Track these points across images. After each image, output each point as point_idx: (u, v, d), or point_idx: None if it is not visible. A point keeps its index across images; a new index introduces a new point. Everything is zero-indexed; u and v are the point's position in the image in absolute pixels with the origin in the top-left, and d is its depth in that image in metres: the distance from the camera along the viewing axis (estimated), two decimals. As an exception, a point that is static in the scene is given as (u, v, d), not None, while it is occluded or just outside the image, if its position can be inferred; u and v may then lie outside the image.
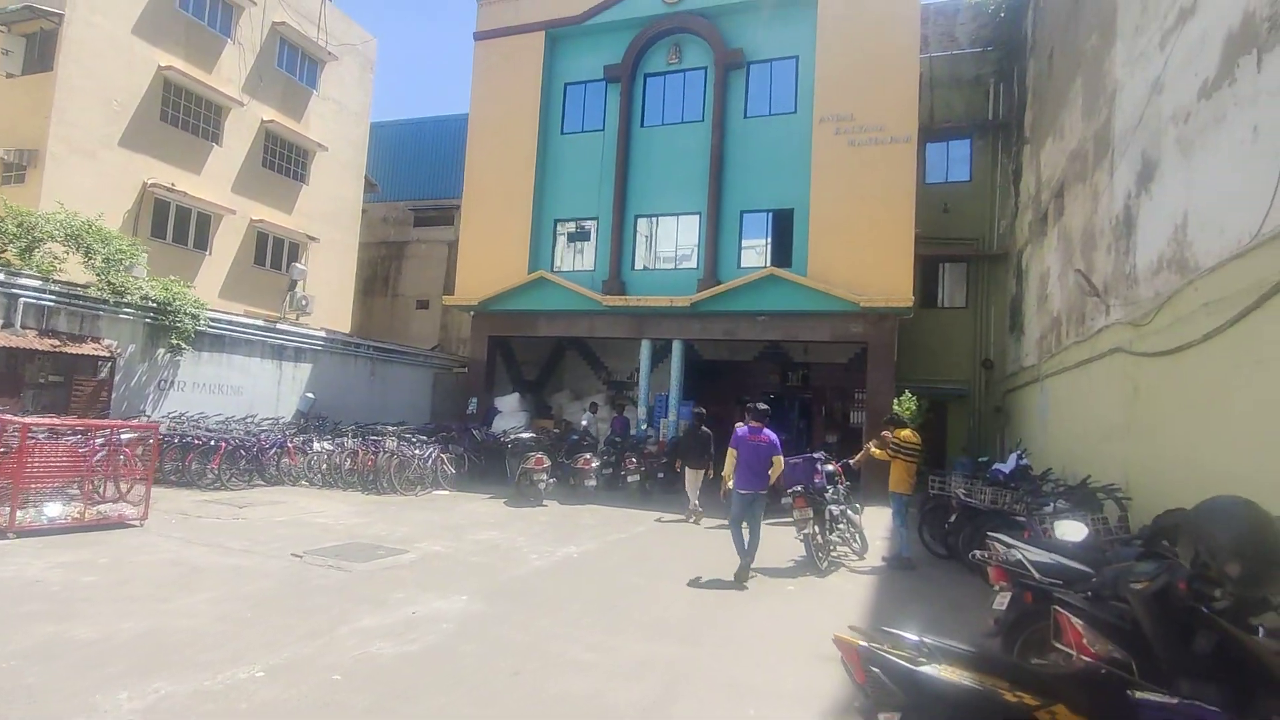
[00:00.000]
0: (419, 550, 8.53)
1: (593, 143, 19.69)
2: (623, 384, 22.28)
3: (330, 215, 24.67)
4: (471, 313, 20.37)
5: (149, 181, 18.88)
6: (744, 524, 8.07)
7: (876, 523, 11.24)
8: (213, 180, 20.67)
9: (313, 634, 5.34)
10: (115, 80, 18.14)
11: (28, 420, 8.49)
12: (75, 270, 13.14)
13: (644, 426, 17.93)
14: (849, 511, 9.59)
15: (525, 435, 15.24)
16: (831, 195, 16.72)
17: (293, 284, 20.59)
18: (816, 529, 8.64)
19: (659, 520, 12.16)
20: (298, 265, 21.36)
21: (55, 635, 4.92)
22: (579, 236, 20.12)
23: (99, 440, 9.19)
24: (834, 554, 9.05)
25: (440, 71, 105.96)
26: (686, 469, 12.71)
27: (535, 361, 23.10)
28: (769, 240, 17.77)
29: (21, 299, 11.70)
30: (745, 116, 18.22)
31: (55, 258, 12.70)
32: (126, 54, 18.50)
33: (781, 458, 8.10)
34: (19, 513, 7.88)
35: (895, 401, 16.55)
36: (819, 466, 9.15)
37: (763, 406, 8.29)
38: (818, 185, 16.90)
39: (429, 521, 10.62)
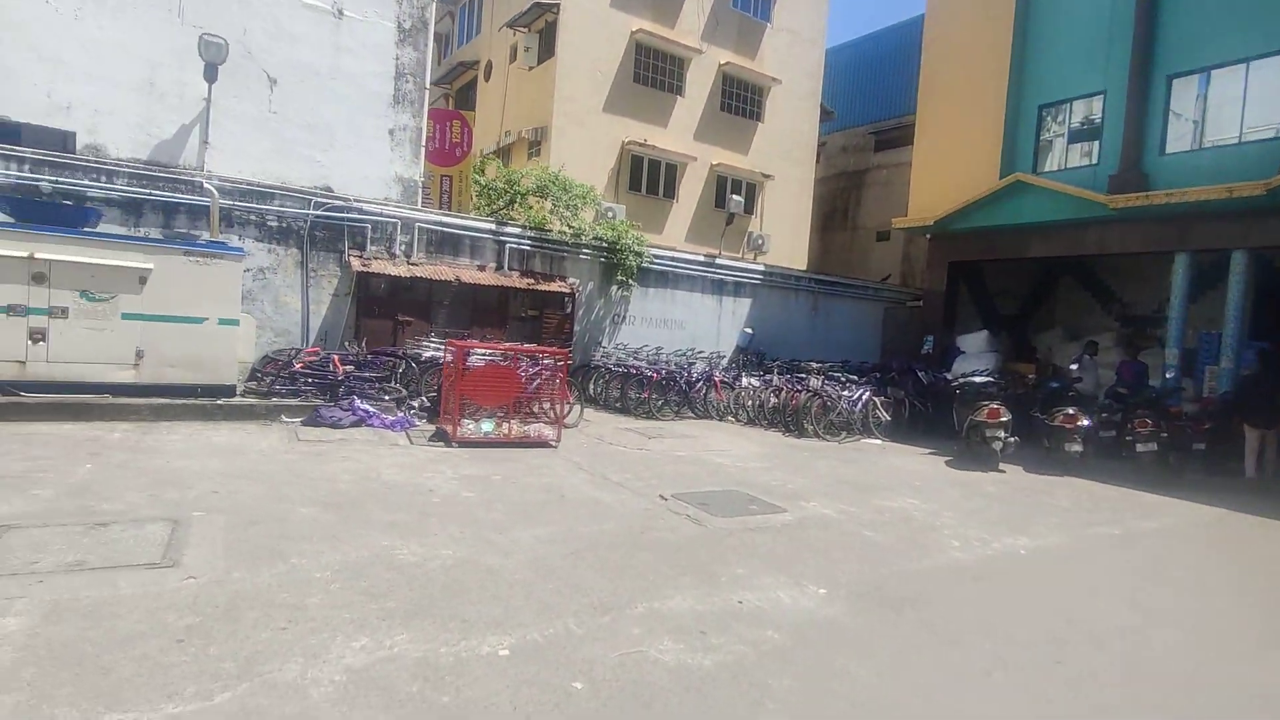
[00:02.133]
0: (802, 511, 6.87)
1: (1096, -10, 14.36)
2: (1144, 319, 16.39)
3: (785, 151, 23.99)
4: (927, 235, 17.32)
5: (626, 140, 20.79)
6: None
7: None
8: (677, 131, 21.82)
9: (599, 607, 4.21)
10: (599, 52, 20.26)
11: (468, 343, 9.55)
12: (562, 221, 14.94)
13: (1170, 375, 12.60)
14: None
15: (977, 379, 11.97)
16: None
17: (730, 217, 20.63)
18: None
19: (1192, 510, 7.99)
20: (734, 198, 21.17)
21: (379, 553, 4.82)
22: (1076, 122, 15.08)
23: (530, 365, 9.95)
24: None
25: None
26: (1247, 429, 8.13)
27: (1013, 291, 18.69)
28: None
29: (508, 245, 13.72)
30: None
31: (530, 208, 14.60)
32: (606, 26, 20.48)
33: None
34: (463, 425, 8.87)
35: None
36: None
37: None
38: None
39: (836, 475, 8.83)
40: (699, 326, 16.42)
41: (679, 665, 3.58)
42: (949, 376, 13.71)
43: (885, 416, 12.23)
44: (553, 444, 9.14)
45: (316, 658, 3.33)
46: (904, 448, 11.51)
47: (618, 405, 12.91)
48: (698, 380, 13.11)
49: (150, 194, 10.72)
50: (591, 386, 13.54)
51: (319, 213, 11.92)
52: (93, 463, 6.49)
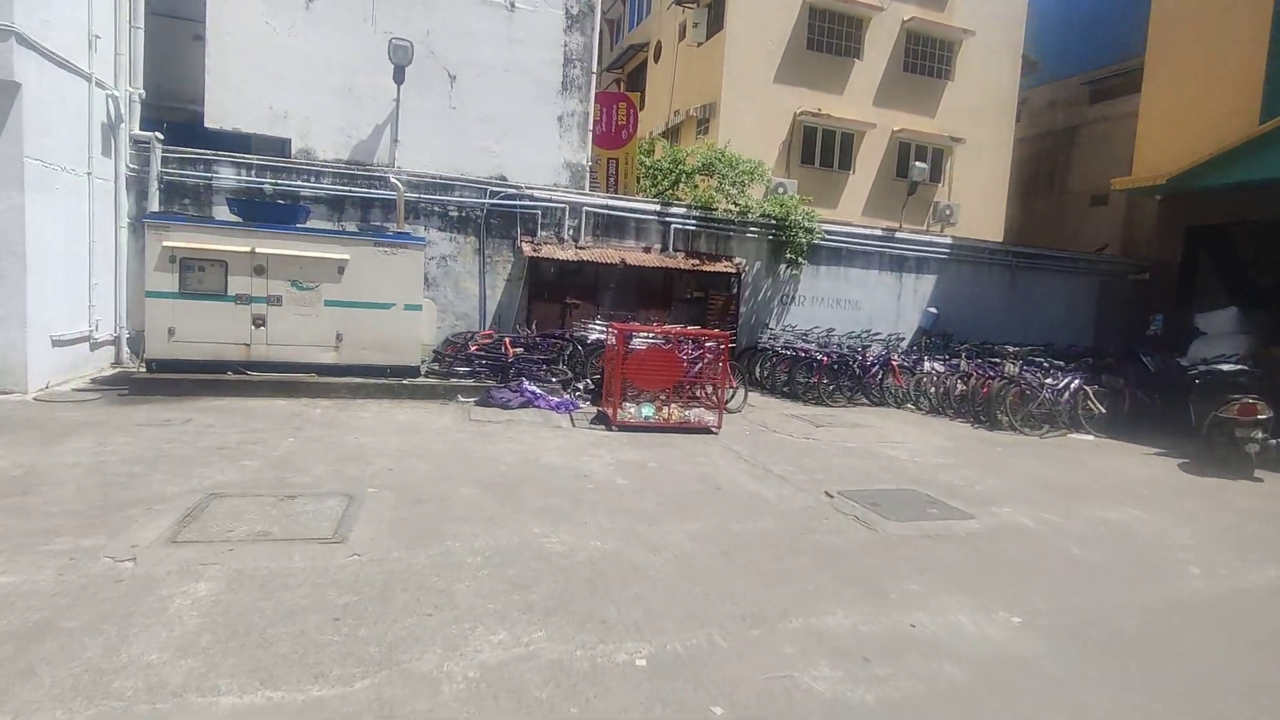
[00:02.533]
0: (993, 518, 6.01)
1: None
2: None
3: (978, 110, 21.60)
4: (1158, 196, 14.76)
5: (798, 111, 19.78)
6: None
7: None
8: (854, 97, 20.39)
9: (748, 618, 3.85)
10: (769, 20, 19.37)
11: (630, 326, 9.45)
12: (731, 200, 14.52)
13: None
14: None
15: (1224, 366, 9.94)
16: None
17: (912, 187, 18.92)
18: None
19: None
20: (917, 165, 19.35)
21: (529, 540, 4.80)
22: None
23: (692, 348, 9.69)
24: None
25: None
26: None
27: (1273, 261, 15.45)
28: None
29: (672, 226, 13.53)
30: None
31: (696, 187, 14.27)
32: (776, -8, 19.55)
33: None
34: (624, 409, 8.82)
35: None
36: None
37: None
38: None
39: (1036, 477, 7.70)
40: (875, 306, 15.27)
41: (835, 698, 3.14)
42: (1185, 363, 11.58)
43: (1099, 409, 10.57)
44: (713, 430, 8.84)
45: (454, 650, 3.30)
46: (1123, 445, 9.86)
47: (784, 390, 12.32)
48: (873, 364, 12.16)
49: (349, 191, 11.76)
50: (757, 370, 13.05)
51: (493, 201, 12.45)
52: (295, 437, 7.17)
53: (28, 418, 7.26)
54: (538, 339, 11.35)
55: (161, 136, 10.88)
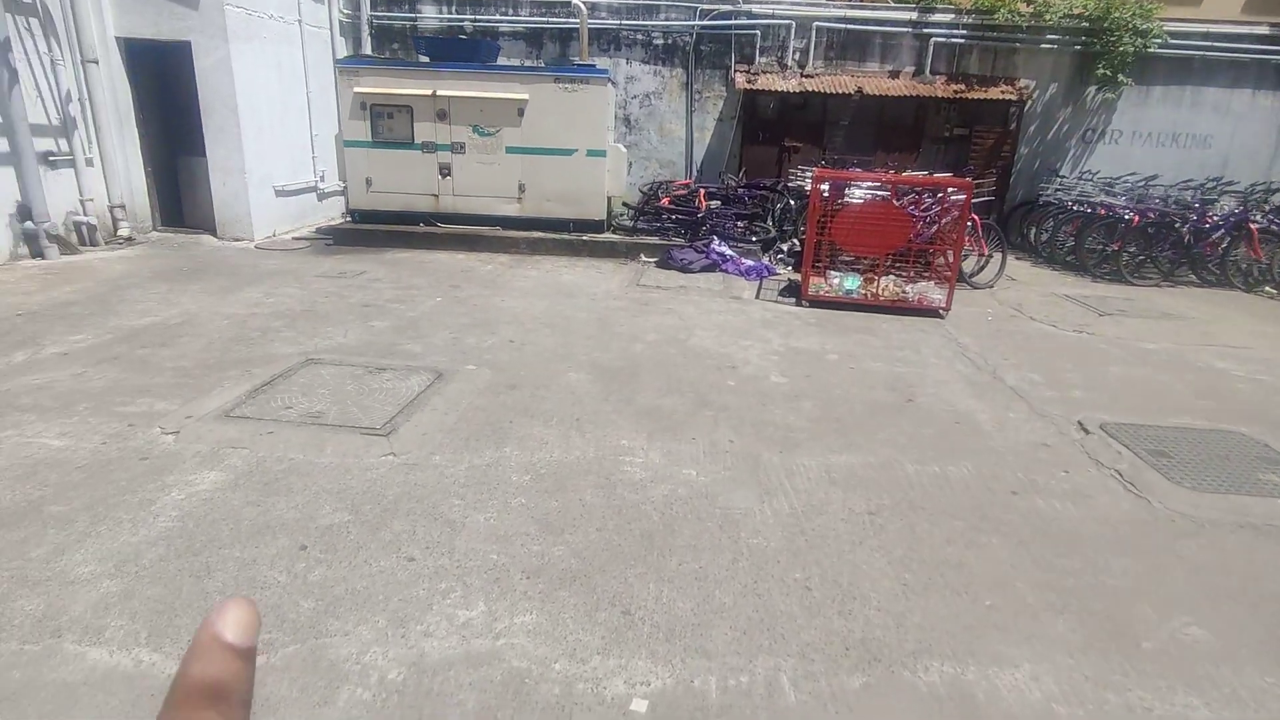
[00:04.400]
0: (1395, 503, 3.53)
1: None
2: None
3: None
4: None
5: None
6: None
7: None
8: None
9: (859, 650, 2.39)
10: None
11: (843, 174, 7.36)
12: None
13: None
14: None
15: None
16: None
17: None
18: None
19: None
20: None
21: (605, 459, 3.68)
22: None
23: (930, 203, 7.38)
24: None
25: None
26: None
27: None
28: None
29: (932, 39, 10.43)
30: None
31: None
32: None
33: None
34: (820, 280, 7.06)
35: None
36: None
37: None
38: None
39: None
40: (1237, 144, 10.77)
41: None
42: None
43: None
44: (940, 312, 6.75)
45: (399, 628, 2.38)
46: None
47: (1068, 260, 9.32)
48: (1216, 227, 8.56)
49: (545, 22, 10.65)
50: (1034, 232, 10.04)
51: (705, 23, 10.52)
52: (443, 297, 6.73)
53: (234, 264, 7.72)
54: (741, 190, 9.67)
55: (370, -23, 10.60)
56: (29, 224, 7.27)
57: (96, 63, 8.00)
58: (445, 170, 9.09)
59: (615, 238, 9.16)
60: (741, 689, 2.19)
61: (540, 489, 3.32)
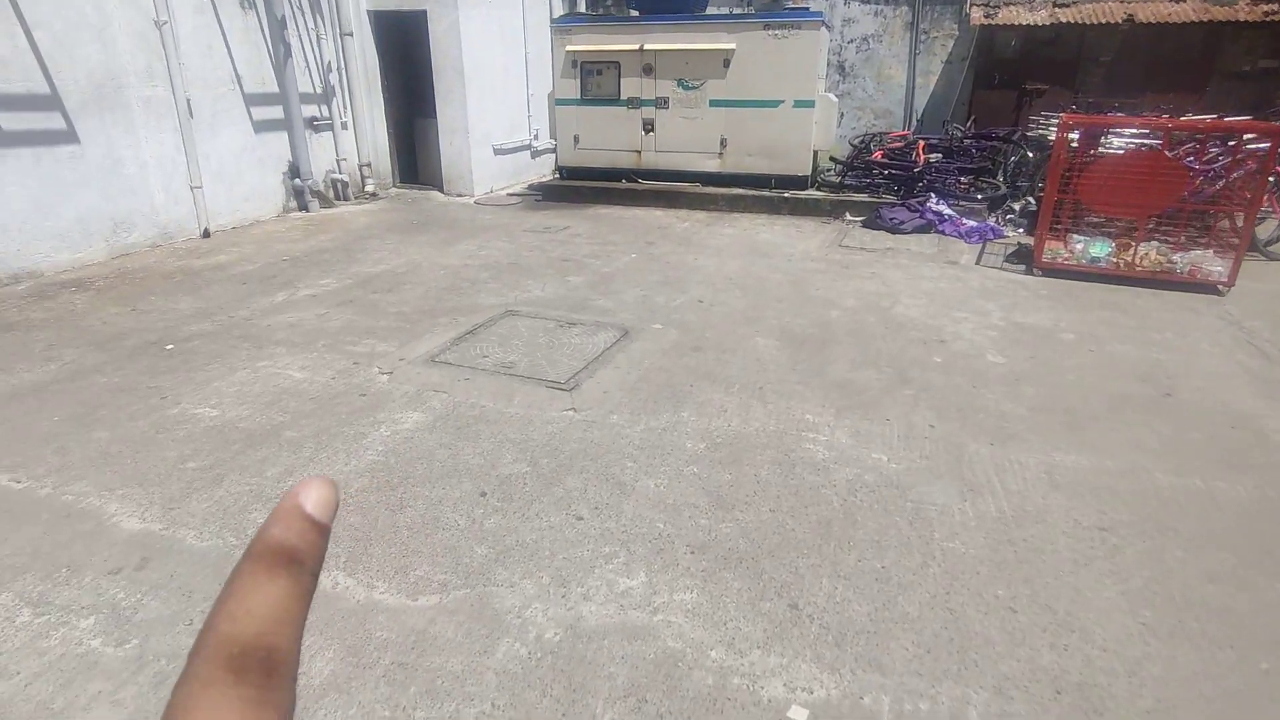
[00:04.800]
0: None
1: None
2: None
3: None
4: None
5: None
6: None
7: None
8: None
9: None
10: None
11: (1099, 119, 6.18)
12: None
13: None
14: None
15: None
16: None
17: None
18: None
19: None
20: None
21: (784, 436, 3.43)
22: None
23: (1218, 152, 6.02)
24: None
25: None
26: None
27: None
28: None
29: (1240, -52, 8.40)
30: None
31: None
32: None
33: None
34: (1059, 245, 6.08)
35: None
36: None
37: None
38: None
39: None
40: None
41: None
42: None
43: None
44: (1219, 287, 5.53)
45: (560, 588, 2.40)
46: None
47: None
48: None
49: (759, -35, 10.13)
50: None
51: (938, -49, 9.38)
52: (638, 254, 6.75)
53: (455, 218, 8.36)
54: (967, 141, 8.61)
55: (586, -67, 10.73)
56: (297, 181, 8.39)
57: (351, 35, 8.93)
58: (648, 126, 9.07)
59: (819, 195, 8.61)
60: (919, 717, 1.91)
61: (714, 459, 3.18)
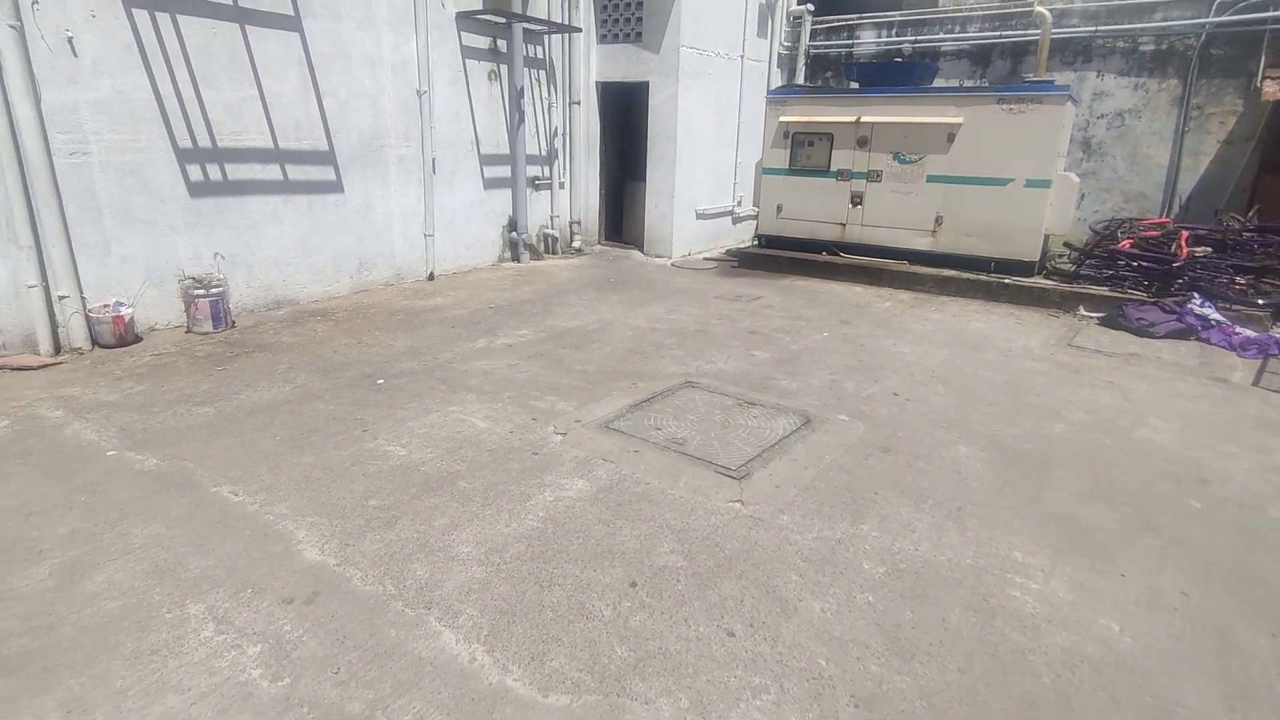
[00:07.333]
0: None
1: None
2: None
3: None
4: None
5: None
6: None
7: None
8: None
9: None
10: None
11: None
12: None
13: None
14: None
15: None
16: None
17: None
18: None
19: None
20: None
21: (984, 569, 2.90)
22: None
23: None
24: None
25: None
26: None
27: None
28: None
29: None
30: None
31: None
32: None
33: None
34: None
35: None
36: None
37: None
38: None
39: None
40: None
41: None
42: None
43: None
44: None
45: (701, 714, 2.14)
46: None
47: None
48: None
49: (998, 36, 9.50)
50: None
51: (1223, 18, 8.20)
52: (831, 332, 6.39)
53: (650, 279, 8.53)
54: (1247, 234, 7.27)
55: (812, 8, 10.78)
56: (514, 234, 9.07)
57: (579, 103, 9.61)
58: (857, 198, 8.72)
59: (1047, 284, 7.68)
60: None
61: (895, 589, 2.77)
